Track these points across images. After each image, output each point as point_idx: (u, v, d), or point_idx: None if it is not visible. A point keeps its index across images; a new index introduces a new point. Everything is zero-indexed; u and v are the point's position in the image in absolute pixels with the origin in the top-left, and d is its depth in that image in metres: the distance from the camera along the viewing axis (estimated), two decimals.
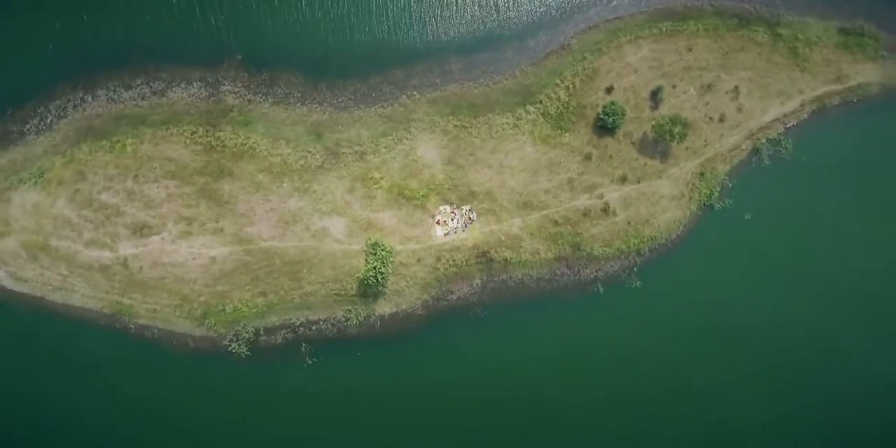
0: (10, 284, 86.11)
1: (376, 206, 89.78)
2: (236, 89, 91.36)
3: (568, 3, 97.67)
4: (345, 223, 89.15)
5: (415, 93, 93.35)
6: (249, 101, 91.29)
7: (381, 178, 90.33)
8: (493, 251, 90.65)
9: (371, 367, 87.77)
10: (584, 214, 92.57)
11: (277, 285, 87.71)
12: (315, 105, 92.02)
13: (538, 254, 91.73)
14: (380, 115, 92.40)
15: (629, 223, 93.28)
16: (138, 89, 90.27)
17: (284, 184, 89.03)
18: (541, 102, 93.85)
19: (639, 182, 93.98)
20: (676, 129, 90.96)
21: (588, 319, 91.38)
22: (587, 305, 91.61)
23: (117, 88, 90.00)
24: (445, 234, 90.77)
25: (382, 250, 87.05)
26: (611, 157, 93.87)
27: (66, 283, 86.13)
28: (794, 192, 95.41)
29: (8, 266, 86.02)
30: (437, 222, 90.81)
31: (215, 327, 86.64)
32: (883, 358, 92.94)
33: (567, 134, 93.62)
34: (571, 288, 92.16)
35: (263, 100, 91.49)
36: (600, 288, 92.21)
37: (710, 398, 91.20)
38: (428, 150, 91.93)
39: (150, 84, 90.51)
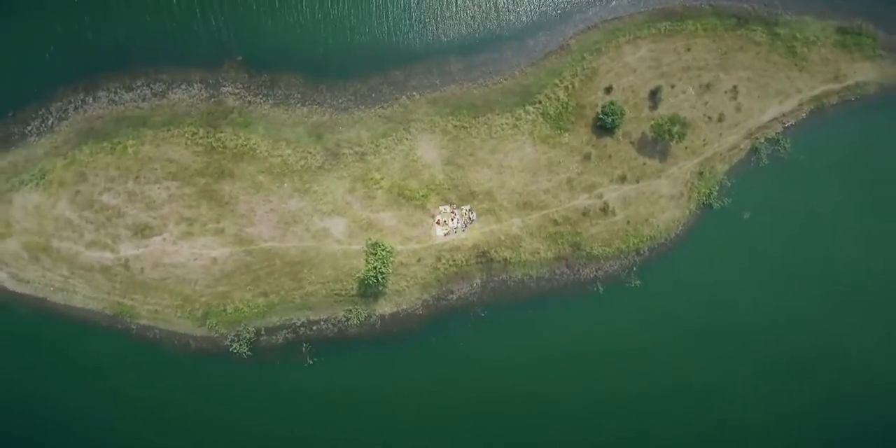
0: (11, 286, 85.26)
1: (376, 206, 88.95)
2: (237, 90, 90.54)
3: (567, 3, 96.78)
4: (345, 223, 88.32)
5: (415, 93, 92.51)
6: (250, 102, 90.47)
7: (382, 179, 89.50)
8: (493, 251, 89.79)
9: (371, 367, 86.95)
10: (584, 214, 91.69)
11: (278, 285, 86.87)
12: (315, 106, 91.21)
13: (538, 253, 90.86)
14: (380, 116, 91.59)
15: (628, 223, 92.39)
16: (139, 91, 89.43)
17: (285, 184, 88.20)
18: (540, 102, 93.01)
19: (638, 182, 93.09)
20: (675, 129, 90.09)
21: (588, 319, 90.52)
22: (587, 305, 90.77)
23: (118, 90, 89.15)
24: (445, 234, 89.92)
25: (383, 250, 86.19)
26: (610, 156, 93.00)
27: (68, 284, 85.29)
28: (793, 191, 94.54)
29: (10, 267, 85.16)
30: (437, 222, 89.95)
31: (216, 328, 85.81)
32: (883, 358, 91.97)
33: (566, 134, 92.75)
34: (571, 287, 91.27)
35: (264, 101, 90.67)
36: (600, 287, 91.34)
37: (710, 398, 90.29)
38: (428, 151, 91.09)
39: (151, 85, 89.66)
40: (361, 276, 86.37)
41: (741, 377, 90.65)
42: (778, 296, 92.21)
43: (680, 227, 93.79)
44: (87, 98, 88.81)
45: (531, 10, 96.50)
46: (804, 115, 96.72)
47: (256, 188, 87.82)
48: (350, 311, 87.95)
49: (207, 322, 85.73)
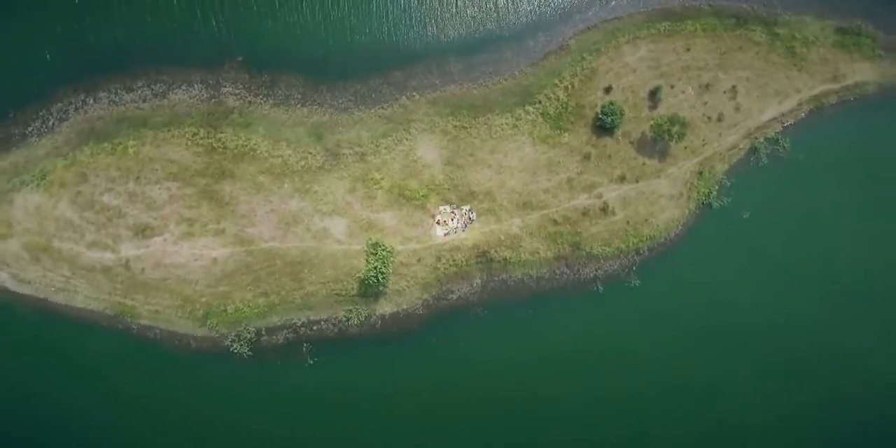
0: (13, 286, 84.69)
1: (377, 206, 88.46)
2: (237, 91, 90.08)
3: (566, 3, 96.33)
4: (345, 224, 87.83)
5: (414, 94, 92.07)
6: (250, 102, 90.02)
7: (382, 179, 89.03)
8: (492, 251, 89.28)
9: (372, 367, 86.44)
10: (584, 214, 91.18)
11: (279, 286, 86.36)
12: (315, 106, 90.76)
13: (538, 253, 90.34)
14: (380, 117, 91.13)
15: (628, 222, 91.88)
16: (139, 91, 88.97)
17: (285, 185, 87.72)
18: (540, 103, 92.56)
19: (637, 181, 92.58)
20: (675, 129, 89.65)
21: (588, 318, 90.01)
22: (587, 304, 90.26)
23: (118, 91, 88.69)
24: (445, 234, 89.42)
25: (383, 250, 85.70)
26: (609, 156, 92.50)
27: (69, 284, 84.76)
28: (792, 190, 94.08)
29: (11, 268, 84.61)
30: (438, 222, 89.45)
31: (217, 328, 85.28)
32: (882, 357, 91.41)
33: (566, 134, 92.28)
34: (571, 287, 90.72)
35: (264, 101, 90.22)
36: (600, 287, 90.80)
37: (710, 398, 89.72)
38: (428, 151, 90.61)
39: (152, 86, 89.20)
40: (362, 276, 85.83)
41: (741, 377, 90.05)
42: (777, 295, 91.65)
43: (679, 227, 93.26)
44: (87, 99, 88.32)
45: (531, 11, 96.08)
46: (803, 114, 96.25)
47: (257, 188, 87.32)
48: (350, 310, 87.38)
49: (208, 322, 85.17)
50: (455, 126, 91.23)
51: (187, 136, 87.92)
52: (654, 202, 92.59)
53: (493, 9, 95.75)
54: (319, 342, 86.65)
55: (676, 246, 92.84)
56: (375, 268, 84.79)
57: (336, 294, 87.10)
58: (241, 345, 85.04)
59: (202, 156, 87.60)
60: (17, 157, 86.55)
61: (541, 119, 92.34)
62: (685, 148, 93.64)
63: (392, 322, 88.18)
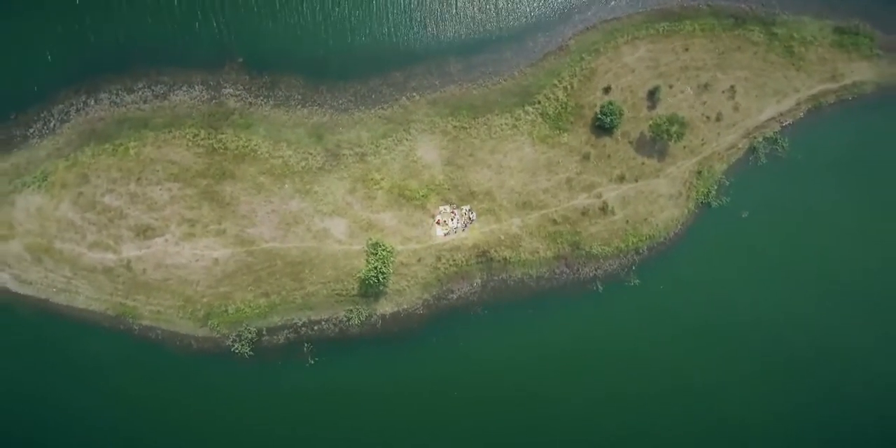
0: (14, 287, 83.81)
1: (377, 206, 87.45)
2: (238, 92, 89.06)
3: (565, 4, 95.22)
4: (346, 224, 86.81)
5: (414, 94, 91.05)
6: (251, 103, 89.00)
7: (382, 179, 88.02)
8: (492, 250, 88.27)
9: (372, 367, 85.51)
10: (583, 213, 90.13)
11: (279, 286, 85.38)
12: (316, 107, 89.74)
13: (537, 253, 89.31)
14: (380, 117, 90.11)
15: (627, 222, 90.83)
16: (140, 93, 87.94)
17: (286, 185, 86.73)
18: (539, 103, 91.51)
19: (637, 181, 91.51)
20: (674, 129, 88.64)
21: (587, 318, 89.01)
22: (586, 304, 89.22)
23: (119, 92, 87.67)
24: (445, 234, 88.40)
25: (383, 250, 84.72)
26: (609, 156, 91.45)
27: (71, 285, 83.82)
28: (791, 190, 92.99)
29: (12, 269, 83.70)
30: (438, 222, 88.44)
31: (218, 328, 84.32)
32: (882, 357, 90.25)
33: (565, 134, 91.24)
34: (571, 286, 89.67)
35: (264, 102, 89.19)
36: (599, 286, 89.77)
37: (709, 398, 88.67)
38: (428, 151, 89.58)
39: (153, 87, 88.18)
40: (362, 276, 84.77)
41: (740, 376, 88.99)
42: (776, 294, 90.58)
43: (679, 226, 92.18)
44: (88, 100, 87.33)
45: (530, 12, 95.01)
46: (802, 114, 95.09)
47: (257, 189, 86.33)
48: (351, 310, 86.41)
49: (209, 322, 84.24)
50: (455, 126, 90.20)
51: (188, 137, 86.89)
52: (653, 202, 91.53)
53: (493, 9, 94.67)
54: (320, 342, 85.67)
55: (676, 245, 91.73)
56: (376, 268, 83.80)
57: (337, 294, 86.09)
58: (243, 345, 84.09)
59: (203, 157, 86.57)
60: (18, 159, 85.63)
61: (540, 119, 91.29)
62: (684, 147, 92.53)
63: (392, 322, 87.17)
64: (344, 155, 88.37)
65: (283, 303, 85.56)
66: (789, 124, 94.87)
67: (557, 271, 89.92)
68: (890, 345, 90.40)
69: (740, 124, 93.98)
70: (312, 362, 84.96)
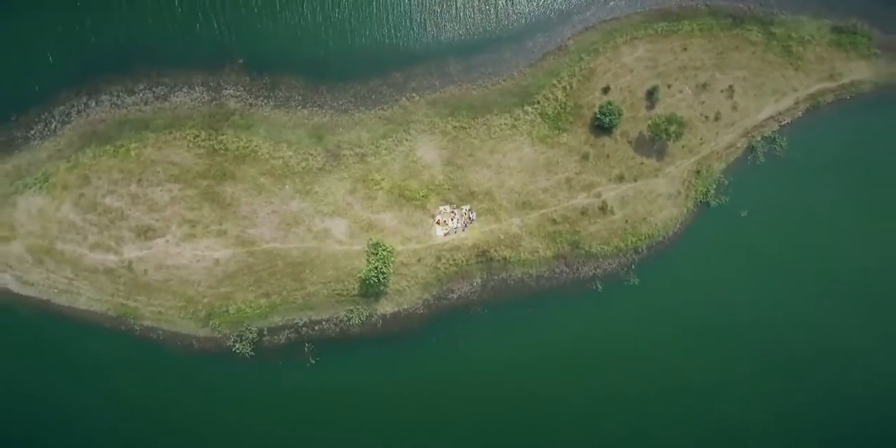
0: (16, 288, 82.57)
1: (377, 206, 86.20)
2: (238, 93, 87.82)
3: (565, 4, 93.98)
4: (346, 224, 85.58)
5: (414, 95, 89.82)
6: (251, 104, 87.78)
7: (382, 180, 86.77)
8: (492, 250, 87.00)
9: (373, 367, 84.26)
10: (583, 213, 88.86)
11: (280, 286, 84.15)
12: (316, 108, 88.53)
13: (537, 252, 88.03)
14: (380, 118, 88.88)
15: (627, 221, 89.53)
16: (141, 94, 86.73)
17: (286, 186, 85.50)
18: (538, 103, 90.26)
19: (636, 180, 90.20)
20: (672, 128, 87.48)
21: (587, 317, 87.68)
22: (586, 303, 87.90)
23: (120, 93, 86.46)
24: (445, 234, 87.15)
25: (384, 250, 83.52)
26: (608, 156, 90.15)
27: (72, 286, 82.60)
28: (790, 189, 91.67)
29: (14, 270, 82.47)
30: (438, 222, 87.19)
31: (219, 328, 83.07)
32: (882, 356, 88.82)
33: (564, 134, 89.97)
34: (570, 286, 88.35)
35: (265, 103, 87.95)
36: (599, 286, 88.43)
37: (709, 397, 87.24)
38: (427, 152, 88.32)
39: (153, 89, 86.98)
40: (363, 276, 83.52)
41: (740, 376, 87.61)
42: (775, 294, 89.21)
43: (678, 226, 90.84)
44: (89, 101, 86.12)
45: (529, 12, 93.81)
46: (800, 113, 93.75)
47: (258, 190, 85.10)
48: (352, 310, 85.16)
49: (210, 323, 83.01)
50: (454, 127, 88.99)
51: (189, 138, 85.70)
52: (652, 201, 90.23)
53: (492, 10, 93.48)
54: (321, 342, 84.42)
55: (675, 244, 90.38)
56: (376, 268, 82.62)
57: (337, 294, 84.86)
58: (244, 345, 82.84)
59: (204, 158, 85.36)
60: (19, 160, 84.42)
61: (539, 119, 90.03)
62: (683, 147, 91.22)
63: (393, 321, 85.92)
64: (344, 155, 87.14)
65: (283, 303, 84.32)
66: (788, 123, 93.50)
67: (557, 271, 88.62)
68: (890, 344, 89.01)
69: (739, 124, 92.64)
70: (313, 362, 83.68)
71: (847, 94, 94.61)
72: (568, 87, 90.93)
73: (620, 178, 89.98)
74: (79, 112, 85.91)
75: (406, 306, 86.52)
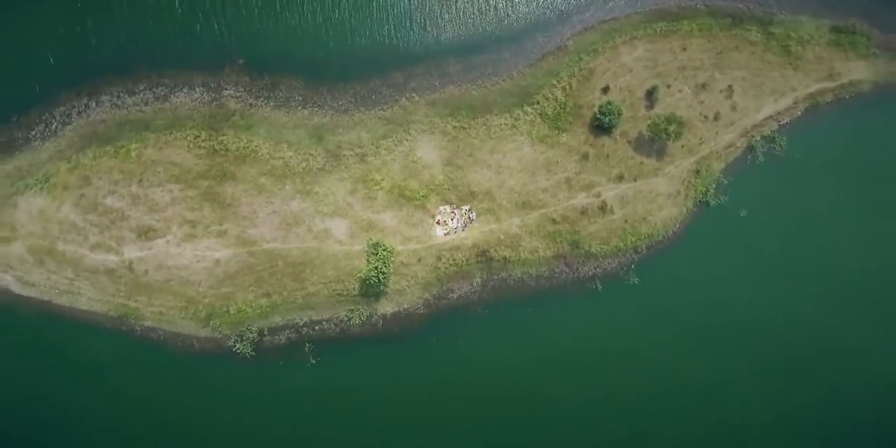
0: (17, 289, 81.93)
1: (377, 207, 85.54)
2: (238, 94, 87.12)
3: (564, 4, 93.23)
4: (346, 224, 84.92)
5: (414, 95, 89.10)
6: (251, 105, 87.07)
7: (382, 180, 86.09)
8: (492, 250, 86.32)
9: (373, 367, 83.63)
10: (582, 213, 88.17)
11: (281, 286, 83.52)
12: (316, 108, 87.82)
13: (537, 252, 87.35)
14: (380, 118, 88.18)
15: (626, 221, 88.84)
16: (141, 95, 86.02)
17: (286, 186, 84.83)
18: (538, 103, 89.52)
19: (635, 180, 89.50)
20: (672, 128, 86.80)
21: (587, 316, 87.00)
22: (586, 302, 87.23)
23: (121, 94, 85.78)
24: (446, 234, 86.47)
25: (384, 250, 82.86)
26: (607, 156, 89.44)
27: (73, 286, 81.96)
28: (789, 188, 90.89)
29: (15, 270, 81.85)
30: (438, 222, 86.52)
31: (220, 328, 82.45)
32: (882, 356, 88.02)
33: (564, 134, 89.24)
34: (570, 285, 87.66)
35: (265, 104, 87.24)
36: (599, 285, 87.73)
37: (709, 397, 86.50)
38: (427, 152, 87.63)
39: (154, 89, 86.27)
40: (363, 276, 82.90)
41: (740, 376, 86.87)
42: (775, 293, 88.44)
43: (677, 225, 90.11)
44: (90, 102, 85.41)
45: (529, 12, 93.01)
46: (799, 113, 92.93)
47: (258, 190, 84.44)
48: (352, 310, 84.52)
49: (211, 323, 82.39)
50: (454, 127, 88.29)
51: (189, 138, 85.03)
52: (651, 201, 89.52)
53: (492, 11, 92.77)
54: (321, 342, 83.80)
55: (674, 244, 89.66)
56: (376, 268, 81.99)
57: (338, 294, 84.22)
58: (244, 345, 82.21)
59: (204, 158, 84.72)
60: (20, 161, 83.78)
61: (539, 119, 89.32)
62: (682, 147, 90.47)
63: (393, 321, 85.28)
64: (344, 156, 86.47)
65: (284, 303, 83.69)
66: (787, 123, 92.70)
67: (557, 270, 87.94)
68: (889, 344, 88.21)
69: (738, 123, 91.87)
70: (314, 362, 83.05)
71: (846, 94, 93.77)
72: (567, 87, 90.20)
73: (620, 178, 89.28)
74: (79, 113, 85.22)
75: (406, 306, 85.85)
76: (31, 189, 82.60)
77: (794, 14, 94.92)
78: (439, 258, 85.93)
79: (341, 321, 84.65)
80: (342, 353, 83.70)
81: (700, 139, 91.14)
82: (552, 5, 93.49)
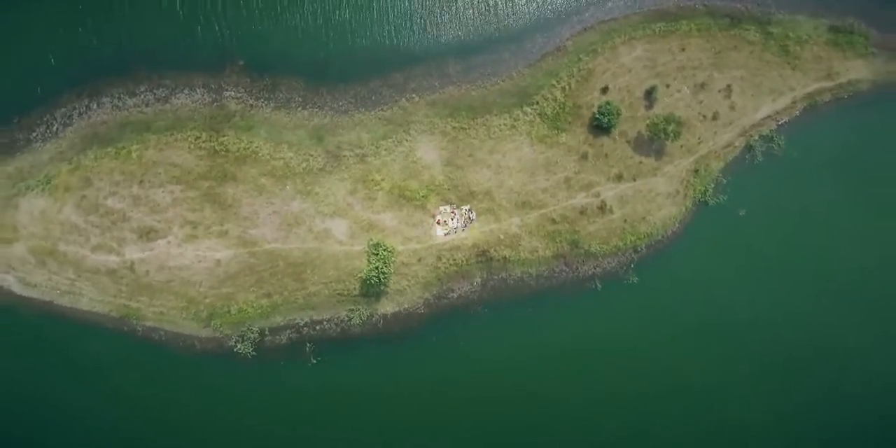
0: (19, 289, 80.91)
1: (377, 207, 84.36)
2: (239, 95, 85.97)
3: (563, 5, 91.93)
4: (347, 224, 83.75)
5: (414, 96, 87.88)
6: (252, 106, 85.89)
7: (382, 180, 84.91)
8: (492, 250, 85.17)
9: (374, 367, 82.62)
10: (582, 212, 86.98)
11: (281, 286, 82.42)
12: (316, 109, 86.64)
13: (537, 252, 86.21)
14: (380, 118, 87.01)
15: (625, 220, 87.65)
16: (142, 96, 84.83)
17: (287, 187, 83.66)
18: (537, 103, 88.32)
19: (634, 180, 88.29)
20: (671, 128, 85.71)
21: (587, 316, 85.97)
22: (586, 302, 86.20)
23: (122, 95, 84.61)
24: (446, 234, 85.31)
25: (384, 250, 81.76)
26: (607, 155, 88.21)
27: (74, 287, 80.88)
28: (788, 187, 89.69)
29: (17, 271, 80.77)
30: (438, 222, 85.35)
31: (221, 328, 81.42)
32: (881, 356, 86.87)
33: (563, 134, 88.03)
34: (570, 285, 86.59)
35: (265, 105, 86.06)
36: (598, 284, 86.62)
37: (709, 397, 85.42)
38: (427, 152, 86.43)
39: (154, 91, 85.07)
40: (363, 276, 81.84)
41: (739, 376, 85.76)
42: (774, 293, 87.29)
43: (676, 225, 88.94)
44: (91, 104, 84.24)
45: (528, 12, 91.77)
46: (798, 112, 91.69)
47: (259, 191, 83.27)
48: (352, 310, 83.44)
49: (212, 323, 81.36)
50: (454, 127, 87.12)
51: (190, 139, 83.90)
52: (651, 200, 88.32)
53: (491, 11, 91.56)
54: (322, 342, 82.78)
55: (673, 243, 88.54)
56: (377, 268, 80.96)
57: (338, 294, 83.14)
58: (245, 345, 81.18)
59: (205, 159, 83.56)
60: (21, 163, 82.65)
61: (538, 119, 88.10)
62: (681, 146, 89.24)
63: (394, 321, 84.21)
64: (344, 156, 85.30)
65: (285, 303, 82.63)
66: (785, 123, 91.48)
67: (557, 270, 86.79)
68: (888, 344, 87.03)
69: (737, 123, 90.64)
70: (314, 362, 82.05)
71: (844, 94, 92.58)
72: (567, 87, 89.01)
73: (619, 178, 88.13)
74: (80, 114, 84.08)
75: (406, 306, 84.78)
76: (32, 190, 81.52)
77: (792, 14, 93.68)
78: (439, 258, 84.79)
79: (342, 321, 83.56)
80: (343, 353, 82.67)
81: (699, 139, 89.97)
82: (551, 6, 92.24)
